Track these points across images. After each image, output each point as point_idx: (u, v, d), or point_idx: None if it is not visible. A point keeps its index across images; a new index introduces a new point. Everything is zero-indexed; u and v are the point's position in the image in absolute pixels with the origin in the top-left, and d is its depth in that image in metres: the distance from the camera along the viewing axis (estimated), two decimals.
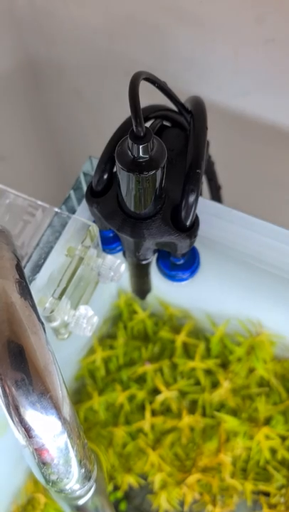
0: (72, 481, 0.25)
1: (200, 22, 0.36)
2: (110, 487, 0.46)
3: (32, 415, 0.21)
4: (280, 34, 0.34)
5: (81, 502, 0.28)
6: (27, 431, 0.21)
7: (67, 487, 0.25)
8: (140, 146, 0.23)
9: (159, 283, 0.38)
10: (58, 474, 0.24)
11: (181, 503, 0.45)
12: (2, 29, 0.44)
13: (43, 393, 0.21)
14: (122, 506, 0.46)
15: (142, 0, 0.36)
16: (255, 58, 0.36)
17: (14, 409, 0.21)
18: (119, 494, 0.46)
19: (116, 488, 0.46)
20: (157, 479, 0.45)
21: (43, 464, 0.23)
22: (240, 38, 0.35)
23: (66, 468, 0.24)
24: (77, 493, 0.27)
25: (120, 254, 0.35)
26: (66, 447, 0.23)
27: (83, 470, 0.25)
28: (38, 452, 0.22)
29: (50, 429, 0.21)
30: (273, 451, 0.46)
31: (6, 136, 0.52)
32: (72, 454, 0.23)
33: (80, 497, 0.27)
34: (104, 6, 0.39)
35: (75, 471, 0.24)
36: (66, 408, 0.22)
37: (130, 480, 0.45)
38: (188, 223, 0.28)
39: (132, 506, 0.46)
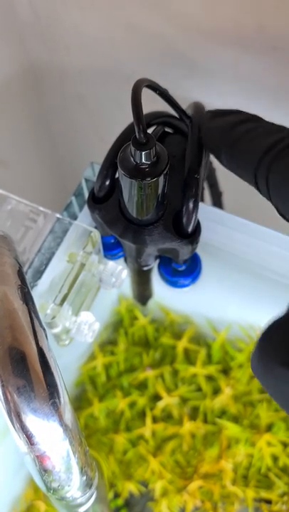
0: (74, 488, 0.25)
1: (201, 29, 0.36)
2: (111, 494, 0.46)
3: (33, 422, 0.21)
4: (281, 42, 0.34)
5: (82, 510, 0.28)
6: (28, 438, 0.21)
7: (69, 494, 0.25)
8: (143, 153, 0.23)
9: (160, 289, 0.38)
10: (60, 482, 0.24)
11: (182, 511, 0.45)
12: (4, 35, 0.44)
13: (45, 400, 0.21)
14: None
15: (143, 7, 0.37)
16: (256, 66, 0.37)
17: (16, 416, 0.21)
18: (120, 502, 0.46)
19: (116, 495, 0.46)
20: (158, 486, 0.45)
21: (44, 471, 0.23)
22: (242, 46, 0.36)
23: (67, 475, 0.23)
24: (78, 500, 0.26)
25: (122, 260, 0.35)
26: (68, 454, 0.23)
27: (84, 477, 0.25)
28: (40, 459, 0.22)
29: (51, 436, 0.21)
30: (275, 458, 0.45)
31: (7, 141, 0.52)
32: (73, 461, 0.23)
33: (80, 505, 0.27)
34: (107, 12, 0.39)
35: (77, 478, 0.24)
36: (68, 415, 0.22)
37: (131, 487, 0.45)
38: (189, 229, 0.28)
39: None
